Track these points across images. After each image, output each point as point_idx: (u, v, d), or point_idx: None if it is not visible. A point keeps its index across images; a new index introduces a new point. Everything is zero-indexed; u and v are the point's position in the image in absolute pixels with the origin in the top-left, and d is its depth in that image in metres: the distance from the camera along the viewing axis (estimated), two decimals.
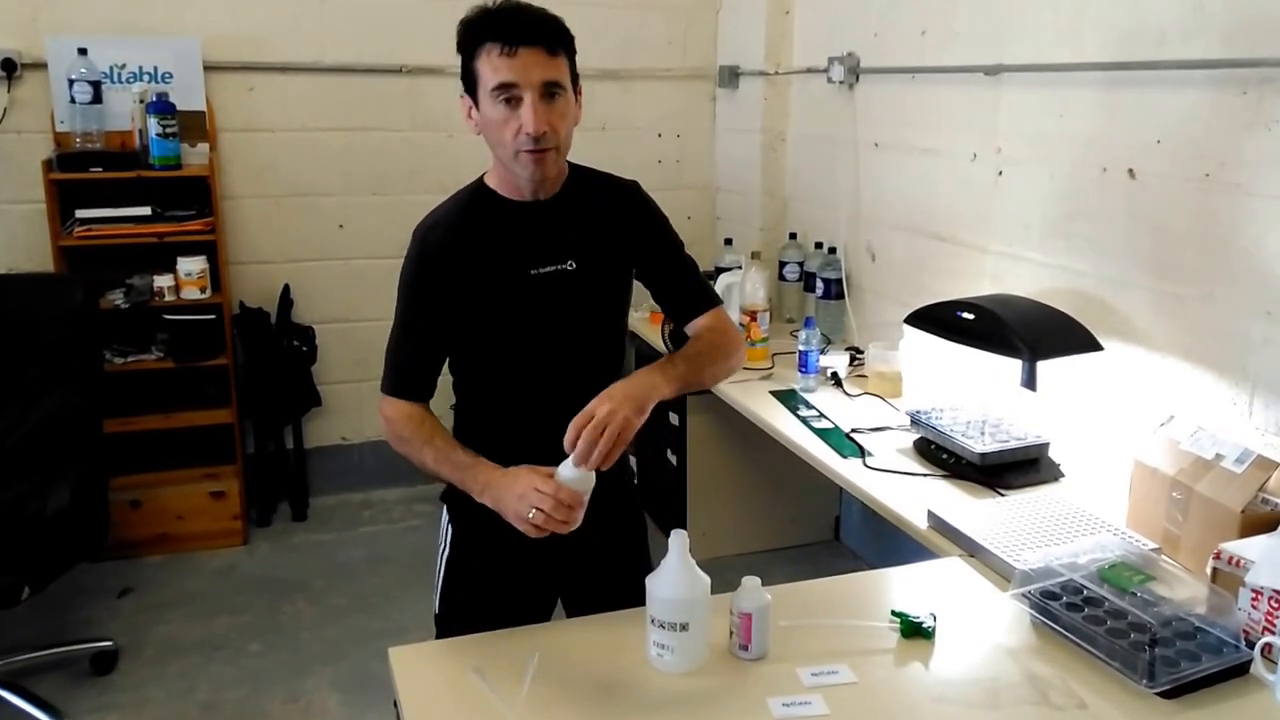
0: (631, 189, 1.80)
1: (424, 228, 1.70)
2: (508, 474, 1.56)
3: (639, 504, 1.95)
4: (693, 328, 1.81)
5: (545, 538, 1.51)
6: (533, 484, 1.50)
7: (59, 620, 3.11)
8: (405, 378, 1.72)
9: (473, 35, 1.59)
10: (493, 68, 1.56)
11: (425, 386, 1.72)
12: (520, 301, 1.67)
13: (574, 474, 1.49)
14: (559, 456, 1.52)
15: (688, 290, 1.83)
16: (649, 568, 1.88)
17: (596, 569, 1.77)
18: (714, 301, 1.83)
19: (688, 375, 1.67)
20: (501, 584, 1.77)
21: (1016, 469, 2.26)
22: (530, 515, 1.48)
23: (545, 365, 1.71)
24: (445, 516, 1.83)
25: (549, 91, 1.58)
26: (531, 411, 1.71)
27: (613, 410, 1.49)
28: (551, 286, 1.68)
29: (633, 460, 1.91)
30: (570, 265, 1.69)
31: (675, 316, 1.85)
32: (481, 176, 1.75)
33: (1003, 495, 2.17)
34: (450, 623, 1.79)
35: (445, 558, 1.83)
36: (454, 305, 1.67)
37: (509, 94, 1.57)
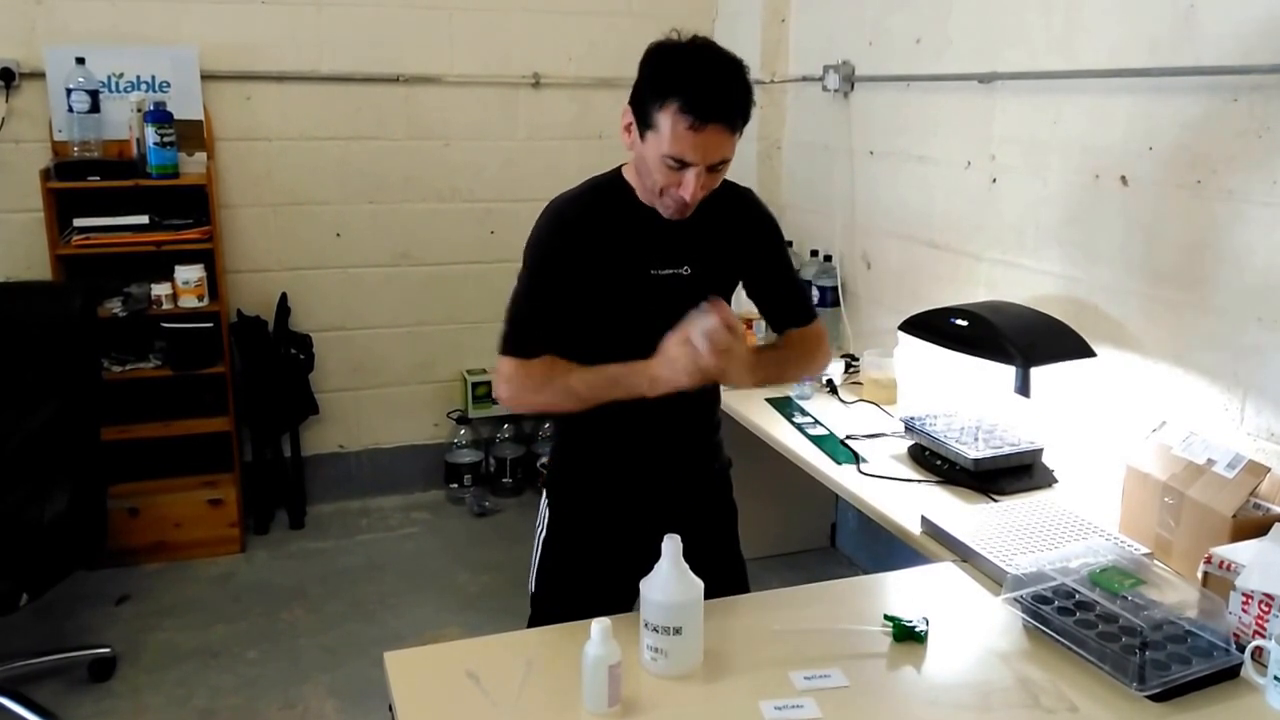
0: (747, 196, 1.85)
1: (558, 203, 1.74)
2: (657, 356, 1.61)
3: (732, 494, 2.00)
4: (787, 335, 1.92)
5: (640, 520, 1.55)
6: (683, 338, 1.57)
7: (57, 627, 3.12)
8: (529, 339, 1.73)
9: (664, 81, 1.56)
10: (674, 135, 1.56)
11: (545, 350, 1.73)
12: (637, 299, 1.73)
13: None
14: (659, 451, 1.70)
15: (791, 302, 1.91)
16: (740, 557, 1.98)
17: (687, 554, 1.65)
18: (812, 316, 1.91)
19: (769, 376, 1.86)
20: (594, 564, 1.84)
21: (1010, 474, 2.27)
22: (705, 358, 1.54)
23: None
24: (544, 502, 1.93)
25: (714, 166, 1.62)
26: (634, 408, 1.72)
27: (737, 327, 1.59)
28: (668, 288, 1.74)
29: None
30: (686, 270, 1.76)
31: (775, 324, 1.92)
32: (619, 167, 1.78)
33: (996, 501, 2.18)
34: (546, 600, 1.91)
35: (542, 539, 1.92)
36: (575, 284, 1.71)
37: (680, 164, 1.59)
